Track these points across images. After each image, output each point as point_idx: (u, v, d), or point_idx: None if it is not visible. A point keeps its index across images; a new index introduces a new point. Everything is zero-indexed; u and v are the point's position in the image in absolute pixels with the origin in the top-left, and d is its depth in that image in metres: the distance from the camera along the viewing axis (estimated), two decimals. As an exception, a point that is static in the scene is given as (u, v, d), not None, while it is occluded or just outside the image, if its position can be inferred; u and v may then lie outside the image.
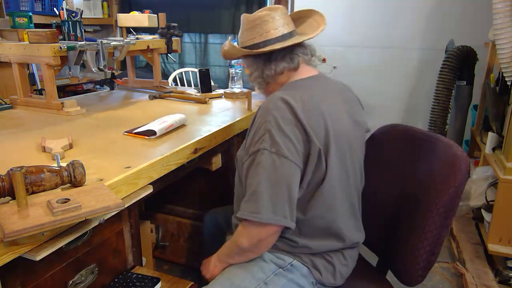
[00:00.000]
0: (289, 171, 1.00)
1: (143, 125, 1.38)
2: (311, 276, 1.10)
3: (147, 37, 2.11)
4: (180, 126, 1.46)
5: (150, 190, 1.10)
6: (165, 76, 3.55)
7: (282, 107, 1.02)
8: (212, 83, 2.14)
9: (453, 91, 2.56)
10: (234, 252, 1.11)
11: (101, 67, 1.62)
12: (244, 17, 1.19)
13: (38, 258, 0.79)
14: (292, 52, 1.14)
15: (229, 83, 2.10)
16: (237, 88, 2.07)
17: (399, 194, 1.23)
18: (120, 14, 2.12)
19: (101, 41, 1.60)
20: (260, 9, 1.18)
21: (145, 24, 2.07)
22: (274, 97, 1.06)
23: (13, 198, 0.83)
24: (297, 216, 1.04)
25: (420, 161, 1.19)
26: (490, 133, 2.10)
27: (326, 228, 1.09)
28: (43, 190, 0.89)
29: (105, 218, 0.91)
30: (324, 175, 1.04)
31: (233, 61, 2.04)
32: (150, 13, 2.10)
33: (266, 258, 1.10)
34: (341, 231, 1.10)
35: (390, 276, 1.26)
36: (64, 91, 3.32)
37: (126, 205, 1.00)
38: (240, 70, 2.07)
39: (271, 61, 1.15)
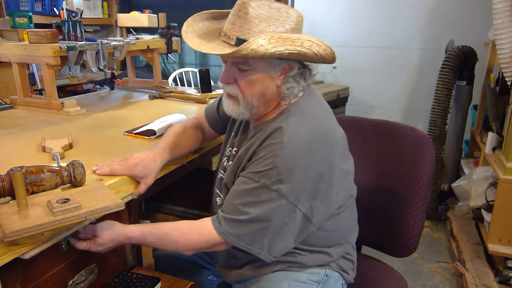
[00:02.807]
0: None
1: (143, 125, 1.38)
2: (341, 278, 1.10)
3: (147, 37, 2.11)
4: (180, 126, 1.46)
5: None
6: (165, 76, 3.54)
7: (330, 144, 0.97)
8: (212, 83, 2.13)
9: (453, 91, 2.57)
10: (166, 238, 0.97)
11: (101, 67, 1.62)
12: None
13: (27, 256, 0.78)
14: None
15: (229, 83, 2.09)
16: (237, 88, 2.06)
17: (377, 180, 1.31)
18: (120, 14, 2.12)
19: (101, 41, 1.60)
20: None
21: (145, 24, 2.06)
22: (317, 125, 0.97)
23: (13, 198, 0.83)
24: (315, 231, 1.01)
25: (390, 145, 1.29)
26: (490, 133, 2.11)
27: (342, 237, 1.11)
28: (43, 190, 0.89)
29: (105, 218, 0.91)
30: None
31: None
32: (150, 13, 2.09)
33: (304, 278, 1.05)
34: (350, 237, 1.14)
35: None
36: (64, 91, 3.31)
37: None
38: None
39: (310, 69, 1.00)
